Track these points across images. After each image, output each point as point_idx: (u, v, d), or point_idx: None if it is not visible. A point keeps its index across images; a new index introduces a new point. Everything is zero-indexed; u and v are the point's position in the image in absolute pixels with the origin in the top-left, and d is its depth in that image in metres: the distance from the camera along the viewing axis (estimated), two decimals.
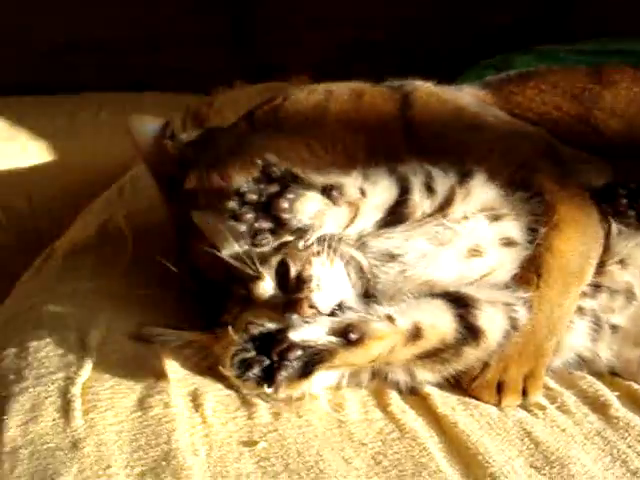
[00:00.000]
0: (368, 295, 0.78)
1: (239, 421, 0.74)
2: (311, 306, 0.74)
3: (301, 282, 0.76)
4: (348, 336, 0.68)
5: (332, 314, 0.74)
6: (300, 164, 0.93)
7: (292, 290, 0.77)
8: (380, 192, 0.78)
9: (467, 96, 1.09)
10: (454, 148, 0.93)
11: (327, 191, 0.74)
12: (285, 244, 0.78)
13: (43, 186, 2.11)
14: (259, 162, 0.73)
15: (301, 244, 0.75)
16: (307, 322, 0.70)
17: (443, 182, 0.82)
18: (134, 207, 1.22)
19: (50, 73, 2.54)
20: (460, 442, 0.72)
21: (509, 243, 0.84)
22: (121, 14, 2.76)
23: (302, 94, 1.03)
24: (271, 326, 0.69)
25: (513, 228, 0.85)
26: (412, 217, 0.80)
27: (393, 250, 0.80)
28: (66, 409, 0.72)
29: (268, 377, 0.64)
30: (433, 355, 0.74)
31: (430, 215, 0.81)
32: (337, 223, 0.75)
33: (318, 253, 0.78)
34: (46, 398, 0.74)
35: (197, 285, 0.87)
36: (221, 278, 0.81)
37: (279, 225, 0.71)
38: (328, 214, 0.73)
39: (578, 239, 0.86)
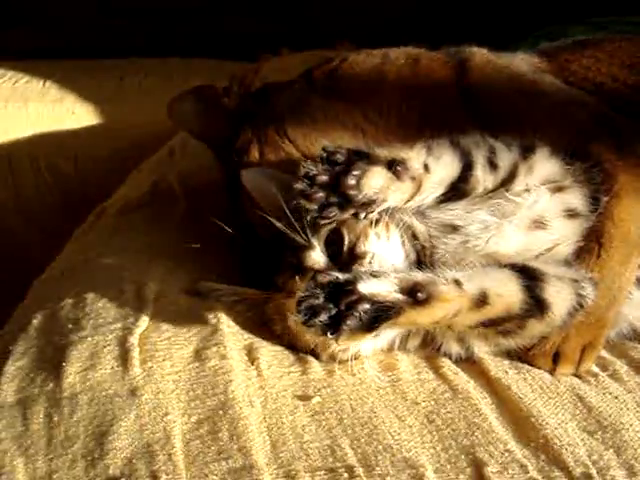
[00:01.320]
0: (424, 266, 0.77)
1: (293, 376, 0.75)
2: None
3: (354, 257, 0.76)
4: (416, 295, 0.68)
5: None
6: (357, 131, 0.93)
7: (344, 263, 0.76)
8: (443, 167, 0.77)
9: (523, 63, 1.07)
10: (512, 117, 0.92)
11: (391, 166, 0.73)
12: None
13: (89, 148, 2.12)
14: (321, 152, 0.72)
15: (362, 215, 0.75)
16: (376, 276, 0.69)
17: (506, 157, 0.81)
18: (184, 167, 1.23)
19: (99, 37, 2.57)
20: (513, 404, 0.72)
21: (572, 215, 0.83)
22: None
23: (359, 57, 1.02)
24: (340, 276, 0.68)
25: (575, 199, 0.83)
26: (474, 193, 0.79)
27: (454, 221, 0.79)
28: (124, 358, 0.74)
29: (334, 325, 0.65)
30: (496, 324, 0.73)
31: (492, 191, 0.79)
32: (400, 197, 0.75)
33: (375, 223, 0.78)
34: (104, 347, 0.75)
35: (249, 243, 0.88)
36: (272, 240, 0.82)
37: (346, 201, 0.71)
38: (392, 189, 0.73)
39: (639, 208, 0.85)
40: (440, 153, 0.78)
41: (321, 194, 0.70)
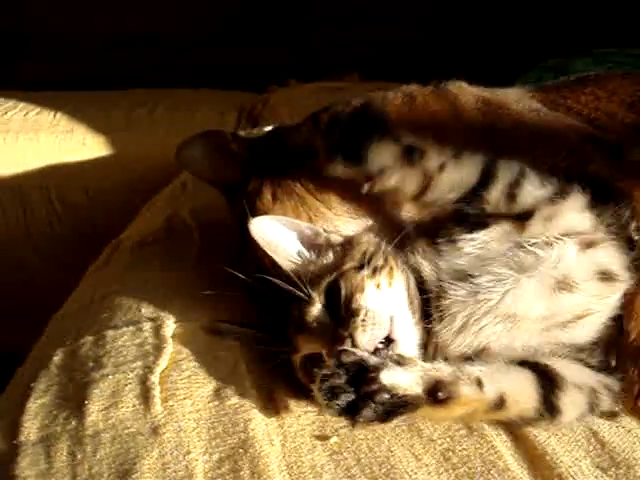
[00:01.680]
0: (429, 315, 0.77)
1: (310, 415, 0.76)
2: (354, 345, 0.73)
3: (350, 312, 0.75)
4: (436, 394, 0.68)
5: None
6: None
7: (342, 319, 0.76)
8: (458, 172, 0.78)
9: (514, 96, 1.08)
10: (503, 147, 0.93)
11: (409, 151, 0.76)
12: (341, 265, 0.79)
13: (100, 179, 2.14)
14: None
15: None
16: (400, 364, 0.69)
17: (531, 191, 0.78)
18: (198, 202, 1.25)
19: (109, 69, 2.60)
20: (527, 442, 0.74)
21: (606, 277, 0.77)
22: (179, 11, 2.81)
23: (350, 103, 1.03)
24: (365, 358, 0.68)
25: (609, 257, 0.77)
26: (484, 211, 0.78)
27: (466, 268, 0.76)
28: (146, 396, 0.75)
29: (351, 411, 0.66)
30: (506, 421, 0.74)
31: (504, 216, 0.78)
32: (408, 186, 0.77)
33: (380, 269, 0.78)
34: (126, 385, 0.77)
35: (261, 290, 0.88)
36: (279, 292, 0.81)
37: None
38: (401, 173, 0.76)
39: None
40: (464, 159, 0.79)
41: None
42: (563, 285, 0.75)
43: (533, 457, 0.72)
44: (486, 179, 0.78)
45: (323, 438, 0.74)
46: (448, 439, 0.74)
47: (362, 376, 0.67)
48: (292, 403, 0.77)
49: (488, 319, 0.75)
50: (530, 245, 0.76)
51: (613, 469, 0.71)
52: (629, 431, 0.76)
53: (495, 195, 0.78)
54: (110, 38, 2.72)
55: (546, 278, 0.75)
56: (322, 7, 3.03)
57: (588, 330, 0.77)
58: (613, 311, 0.77)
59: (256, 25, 2.99)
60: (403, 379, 0.67)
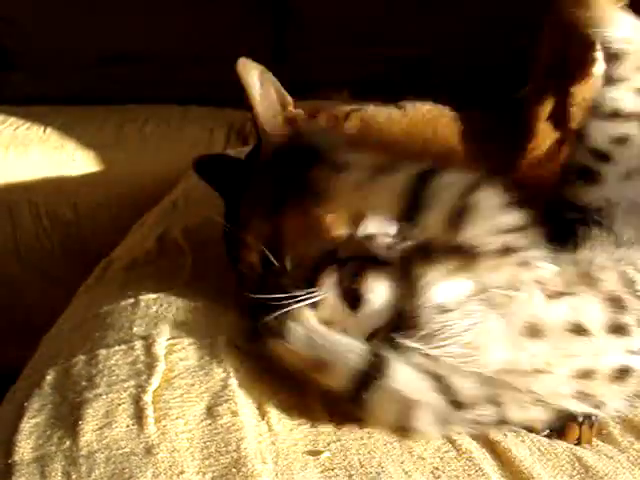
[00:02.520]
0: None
1: (303, 429, 0.77)
2: None
3: None
4: None
5: None
6: None
7: None
8: None
9: None
10: None
11: None
12: None
13: (89, 195, 2.15)
14: None
15: None
16: None
17: None
18: (189, 221, 1.26)
19: (99, 84, 2.61)
20: (513, 466, 0.74)
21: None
22: (168, 27, 2.82)
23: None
24: None
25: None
26: None
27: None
28: (139, 416, 0.76)
29: None
30: None
31: None
32: None
33: None
34: (119, 405, 0.77)
35: None
36: None
37: None
38: None
39: None
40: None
41: None
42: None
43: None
44: None
45: (315, 453, 0.74)
46: (438, 458, 0.75)
47: None
48: (284, 416, 0.78)
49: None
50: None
51: None
52: (611, 457, 0.78)
53: None
54: (99, 54, 2.73)
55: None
56: (314, 23, 3.04)
57: None
58: None
59: (247, 41, 2.99)
60: None
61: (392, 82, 2.81)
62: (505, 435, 0.79)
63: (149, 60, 2.80)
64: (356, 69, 2.92)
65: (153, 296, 0.98)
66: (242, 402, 0.78)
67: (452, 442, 0.77)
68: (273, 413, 0.78)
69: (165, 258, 1.12)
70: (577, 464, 0.76)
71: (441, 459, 0.75)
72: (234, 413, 0.76)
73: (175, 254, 1.13)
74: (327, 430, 0.77)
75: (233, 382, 0.81)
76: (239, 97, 3.00)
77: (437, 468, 0.74)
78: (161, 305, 0.96)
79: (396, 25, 2.91)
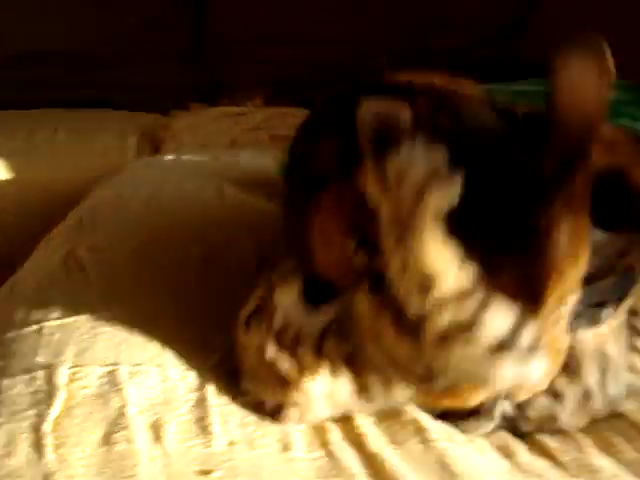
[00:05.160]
0: None
1: (195, 450, 0.83)
2: None
3: None
4: None
5: None
6: None
7: None
8: None
9: None
10: None
11: None
12: None
13: None
14: None
15: None
16: None
17: None
18: (95, 240, 1.30)
19: (9, 87, 2.59)
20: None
21: None
22: (82, 27, 2.81)
23: None
24: None
25: None
26: None
27: None
28: (38, 445, 0.81)
29: None
30: None
31: None
32: None
33: None
34: (20, 434, 0.82)
35: None
36: None
37: None
38: None
39: None
40: None
41: None
42: None
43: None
44: None
45: (206, 472, 0.81)
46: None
47: None
48: (178, 438, 0.84)
49: None
50: None
51: None
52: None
53: None
54: (11, 54, 2.71)
55: None
56: (233, 24, 3.07)
57: None
58: None
59: (164, 41, 3.01)
60: None
61: (310, 84, 2.86)
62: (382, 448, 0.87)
63: (63, 62, 2.79)
64: (275, 70, 2.98)
65: (57, 323, 1.03)
66: (138, 428, 0.84)
67: (335, 460, 0.84)
68: (167, 437, 0.84)
69: (70, 280, 1.15)
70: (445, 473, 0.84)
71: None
72: (129, 440, 0.82)
73: (80, 276, 1.17)
74: (220, 451, 0.84)
75: (129, 410, 0.86)
76: (153, 99, 3.00)
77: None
78: (65, 332, 1.01)
79: (316, 27, 2.98)
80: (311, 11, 3.01)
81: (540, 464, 0.88)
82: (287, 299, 0.86)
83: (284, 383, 0.85)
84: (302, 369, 0.84)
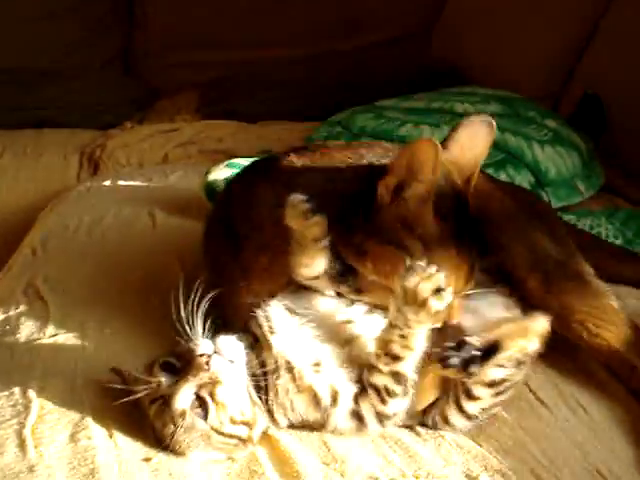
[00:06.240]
0: None
1: (139, 444, 1.09)
2: None
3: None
4: None
5: None
6: None
7: None
8: None
9: None
10: None
11: None
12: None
13: None
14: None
15: None
16: None
17: None
18: (49, 272, 1.57)
19: None
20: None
21: None
22: (16, 43, 2.90)
23: None
24: None
25: None
26: None
27: None
28: (22, 446, 1.08)
29: None
30: None
31: None
32: None
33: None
34: (7, 439, 1.10)
35: None
36: None
37: None
38: None
39: None
40: None
41: None
42: None
43: (283, 460, 1.10)
44: None
45: (147, 460, 1.08)
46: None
47: None
48: (126, 436, 1.12)
49: None
50: None
51: (333, 464, 1.10)
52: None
53: None
54: None
55: None
56: (160, 30, 3.20)
57: None
58: None
59: (95, 55, 3.14)
60: None
61: (239, 84, 3.07)
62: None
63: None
64: (205, 73, 3.15)
65: (25, 347, 1.31)
66: (95, 429, 1.13)
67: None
68: (118, 435, 1.12)
69: (32, 311, 1.43)
70: (324, 446, 1.12)
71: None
72: (89, 437, 1.11)
73: (40, 305, 1.45)
74: (153, 444, 1.11)
75: (88, 415, 1.15)
76: (90, 115, 3.13)
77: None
78: (31, 356, 1.29)
79: (244, 29, 3.13)
80: (231, 14, 3.18)
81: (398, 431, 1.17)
82: None
83: None
84: None
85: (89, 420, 1.15)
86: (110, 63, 3.24)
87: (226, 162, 1.83)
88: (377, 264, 1.09)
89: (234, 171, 1.78)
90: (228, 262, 1.23)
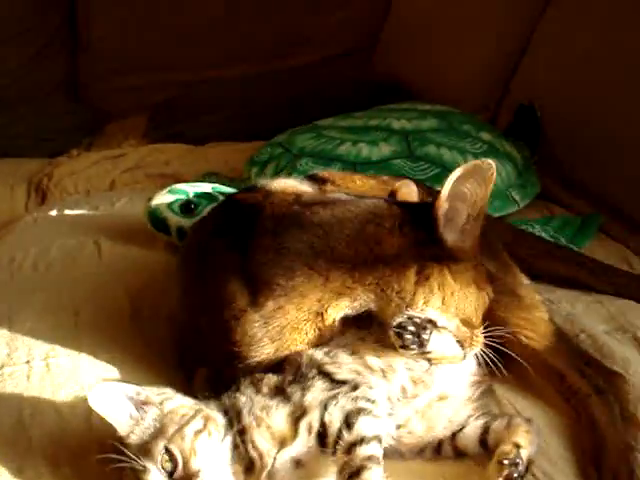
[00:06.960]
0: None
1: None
2: None
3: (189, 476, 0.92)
4: None
5: None
6: None
7: None
8: None
9: None
10: None
11: None
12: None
13: None
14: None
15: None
16: None
17: None
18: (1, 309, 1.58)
19: None
20: None
21: None
22: None
23: None
24: None
25: None
26: None
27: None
28: None
29: None
30: None
31: None
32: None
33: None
34: None
35: None
36: None
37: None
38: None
39: None
40: None
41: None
42: None
43: None
44: None
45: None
46: None
47: None
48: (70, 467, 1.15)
49: None
50: None
51: None
52: None
53: None
54: None
55: None
56: (106, 55, 3.18)
57: None
58: None
59: (42, 81, 3.13)
60: None
61: (185, 106, 3.08)
62: None
63: None
64: (152, 95, 3.15)
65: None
66: (41, 463, 1.15)
67: None
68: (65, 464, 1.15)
69: None
70: None
71: None
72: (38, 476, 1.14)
73: None
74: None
75: (37, 446, 1.18)
76: (38, 143, 3.09)
77: None
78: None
79: (189, 50, 3.14)
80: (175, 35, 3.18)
81: None
82: None
83: None
84: None
85: (37, 455, 1.16)
86: (57, 89, 3.20)
87: (168, 188, 1.85)
88: None
89: (177, 197, 1.81)
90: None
